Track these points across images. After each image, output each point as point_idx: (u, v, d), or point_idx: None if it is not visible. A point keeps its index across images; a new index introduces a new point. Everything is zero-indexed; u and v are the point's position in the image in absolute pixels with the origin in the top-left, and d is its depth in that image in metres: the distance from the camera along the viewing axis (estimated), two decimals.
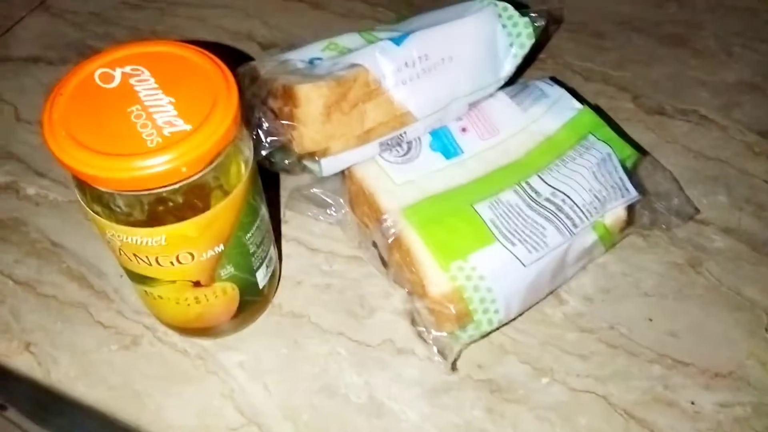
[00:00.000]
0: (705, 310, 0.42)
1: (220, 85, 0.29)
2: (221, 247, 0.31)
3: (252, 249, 0.34)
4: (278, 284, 0.41)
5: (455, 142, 0.42)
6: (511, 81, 0.43)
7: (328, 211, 0.43)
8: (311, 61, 0.43)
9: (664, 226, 0.42)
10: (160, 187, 0.27)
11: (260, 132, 0.37)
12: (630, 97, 0.53)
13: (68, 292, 0.41)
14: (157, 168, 0.26)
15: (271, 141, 0.38)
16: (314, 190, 0.43)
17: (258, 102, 0.40)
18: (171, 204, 0.28)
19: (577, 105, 0.43)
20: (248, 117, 0.39)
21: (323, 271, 0.42)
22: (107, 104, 0.28)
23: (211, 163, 0.28)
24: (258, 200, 0.33)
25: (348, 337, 0.40)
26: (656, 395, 0.38)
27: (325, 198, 0.43)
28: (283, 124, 0.38)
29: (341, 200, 0.42)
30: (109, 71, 0.29)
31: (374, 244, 0.40)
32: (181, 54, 0.30)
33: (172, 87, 0.29)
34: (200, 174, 0.28)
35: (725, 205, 0.47)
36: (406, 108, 0.40)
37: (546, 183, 0.40)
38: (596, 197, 0.39)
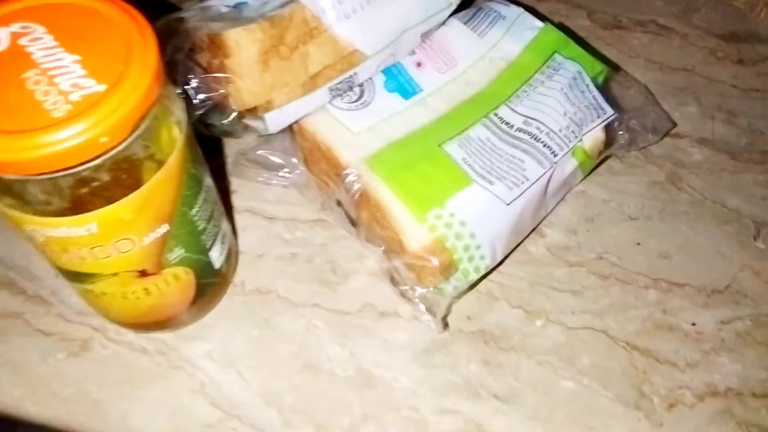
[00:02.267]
0: (692, 227, 0.40)
1: (133, 34, 0.24)
2: (165, 227, 0.27)
3: (201, 225, 0.30)
4: (237, 261, 0.37)
5: (412, 80, 0.38)
6: (462, 5, 0.39)
7: (280, 173, 0.39)
8: (237, 6, 0.38)
9: (642, 145, 0.40)
10: (79, 165, 0.22)
11: (189, 91, 0.32)
12: (585, 13, 0.50)
13: None
14: (70, 141, 0.21)
15: (203, 100, 0.33)
16: (261, 151, 0.38)
17: (182, 58, 0.35)
18: (96, 184, 0.24)
19: (538, 23, 0.39)
20: (174, 76, 0.34)
21: (285, 240, 0.38)
22: None
23: (136, 128, 0.23)
24: (200, 168, 0.29)
25: (323, 307, 0.36)
26: (656, 322, 0.36)
27: (275, 159, 0.38)
28: (214, 77, 0.33)
29: (294, 160, 0.38)
30: None
31: (339, 203, 0.36)
32: (79, 3, 0.25)
33: (74, 43, 0.23)
34: (125, 143, 0.23)
35: (697, 116, 0.45)
36: (353, 45, 0.35)
37: (516, 112, 0.36)
38: (572, 120, 0.36)
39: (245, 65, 0.33)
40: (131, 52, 0.23)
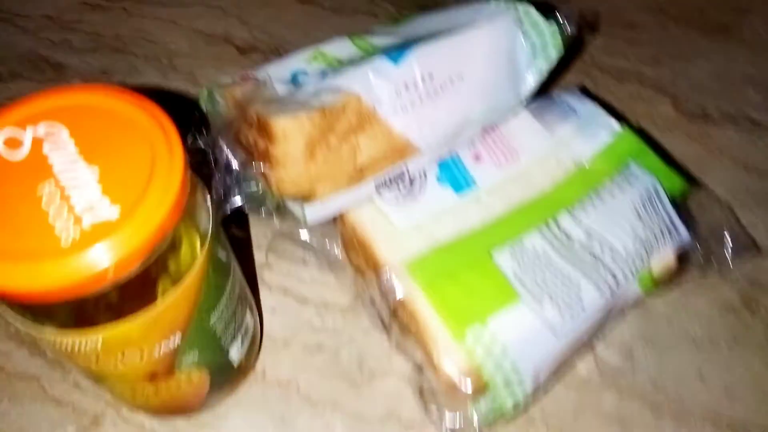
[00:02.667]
0: (765, 362, 0.35)
1: (159, 143, 0.22)
2: (178, 337, 0.25)
3: (220, 329, 0.28)
4: (260, 349, 0.35)
5: (467, 172, 0.35)
6: (534, 94, 0.36)
7: (318, 254, 0.37)
8: (294, 77, 0.36)
9: (718, 268, 0.35)
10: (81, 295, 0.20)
11: (228, 179, 0.31)
12: (669, 100, 0.46)
13: (17, 360, 0.35)
14: (73, 275, 0.19)
15: (243, 192, 0.31)
16: (301, 231, 0.36)
17: (227, 134, 0.33)
18: (104, 302, 0.22)
19: (615, 125, 0.36)
20: (215, 156, 0.32)
21: (314, 327, 0.36)
22: (11, 182, 0.21)
23: (148, 258, 0.21)
24: (224, 272, 0.27)
25: (344, 409, 0.34)
26: None
27: (314, 240, 0.36)
28: (257, 165, 0.31)
29: (332, 243, 0.36)
30: (16, 134, 0.22)
31: (372, 302, 0.34)
32: (108, 105, 0.23)
33: (96, 152, 0.22)
34: (134, 271, 0.21)
35: None
36: (407, 139, 0.33)
37: (579, 223, 0.33)
38: (642, 242, 0.32)
39: (290, 156, 0.31)
40: (155, 165, 0.22)
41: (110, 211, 0.20)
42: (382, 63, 0.32)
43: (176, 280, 0.23)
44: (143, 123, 0.22)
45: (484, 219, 0.34)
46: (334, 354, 0.35)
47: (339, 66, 0.36)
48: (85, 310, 0.22)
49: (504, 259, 0.32)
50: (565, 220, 0.33)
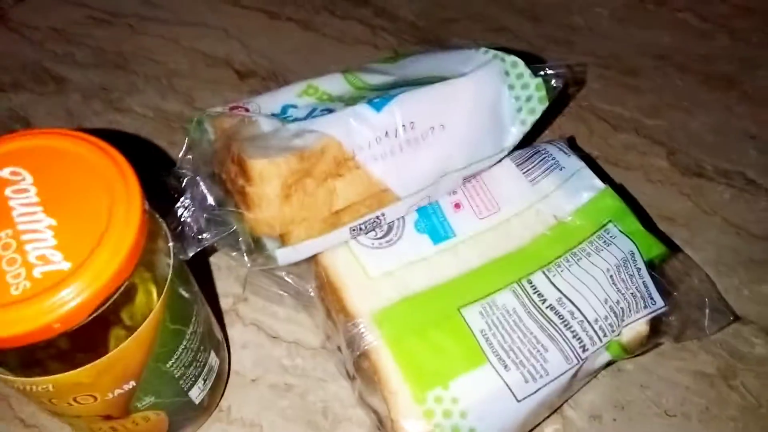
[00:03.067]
0: None
1: (119, 195, 0.22)
2: (132, 383, 0.25)
3: (179, 373, 0.28)
4: (226, 385, 0.35)
5: (446, 222, 0.35)
6: (518, 144, 0.36)
7: (292, 292, 0.37)
8: (284, 110, 0.36)
9: (691, 338, 0.35)
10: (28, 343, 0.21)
11: (201, 214, 0.31)
12: (665, 152, 0.45)
13: None
14: (19, 326, 0.20)
15: (217, 228, 0.31)
16: (277, 270, 0.36)
17: (210, 165, 0.33)
18: (54, 349, 0.22)
19: (599, 184, 0.35)
20: (191, 191, 0.32)
21: (284, 366, 0.36)
22: None
23: (96, 310, 0.21)
24: (184, 317, 0.27)
25: None
26: None
27: (289, 279, 0.36)
28: (233, 202, 0.32)
29: (308, 286, 0.36)
30: None
31: (339, 349, 0.34)
32: (74, 150, 0.23)
33: (56, 201, 0.22)
34: (84, 321, 0.21)
35: None
36: (386, 185, 0.32)
37: (552, 283, 0.32)
38: (613, 310, 0.31)
39: (265, 198, 0.31)
40: (112, 216, 0.22)
41: (63, 265, 0.21)
42: (364, 110, 0.32)
43: (131, 329, 0.24)
44: (105, 171, 0.23)
45: (458, 272, 0.33)
46: (300, 397, 0.35)
47: (329, 101, 0.36)
48: (34, 355, 0.22)
49: (473, 317, 0.31)
50: (539, 279, 0.33)
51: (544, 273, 0.33)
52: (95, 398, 0.25)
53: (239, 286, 0.38)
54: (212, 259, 0.39)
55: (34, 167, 0.23)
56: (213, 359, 0.31)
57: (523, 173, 0.36)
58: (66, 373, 0.23)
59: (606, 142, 0.46)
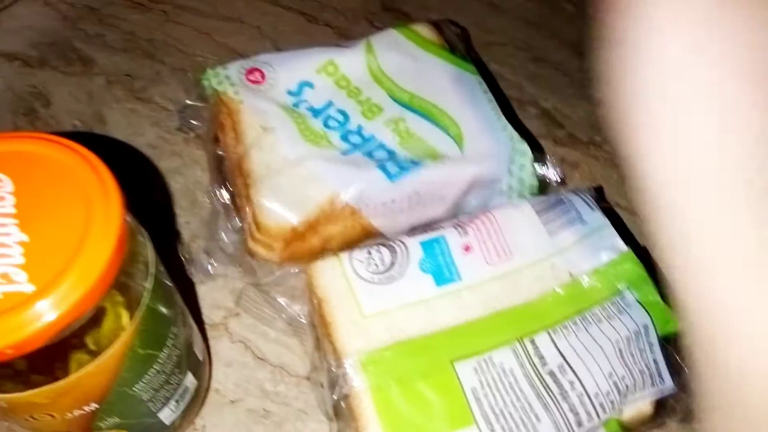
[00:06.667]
0: None
1: (97, 212, 0.21)
2: (93, 406, 0.24)
3: (147, 396, 0.26)
4: (203, 403, 0.34)
5: (453, 264, 0.33)
6: (541, 189, 0.35)
7: (284, 315, 0.35)
8: (300, 90, 0.37)
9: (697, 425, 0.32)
10: None
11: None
12: None
13: None
14: None
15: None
16: (270, 290, 0.35)
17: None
18: (8, 370, 0.21)
19: (621, 245, 0.33)
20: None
21: (265, 391, 0.35)
22: None
23: (56, 336, 0.20)
24: (157, 340, 0.26)
25: None
26: None
27: (282, 303, 0.35)
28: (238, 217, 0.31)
29: (300, 312, 0.34)
30: None
31: (322, 385, 0.32)
32: (61, 160, 0.22)
33: (33, 213, 0.21)
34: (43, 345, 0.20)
35: None
36: (380, 231, 0.32)
37: (556, 348, 0.30)
38: (616, 386, 0.29)
39: (268, 246, 0.32)
40: (87, 235, 0.21)
41: (25, 285, 0.19)
42: (378, 177, 0.33)
43: (95, 354, 0.22)
44: (88, 186, 0.22)
45: (458, 320, 0.32)
46: (277, 426, 0.34)
47: (346, 93, 0.37)
48: None
49: (466, 373, 0.30)
50: (542, 340, 0.31)
51: (549, 334, 0.31)
52: (53, 417, 0.24)
53: (233, 299, 0.37)
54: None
55: (16, 174, 0.22)
56: (189, 380, 0.30)
57: (543, 222, 0.34)
58: (20, 394, 0.22)
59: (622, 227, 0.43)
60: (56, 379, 0.22)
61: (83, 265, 0.20)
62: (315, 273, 0.32)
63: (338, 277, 0.32)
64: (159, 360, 0.26)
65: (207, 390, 0.34)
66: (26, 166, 0.22)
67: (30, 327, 0.19)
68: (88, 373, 0.22)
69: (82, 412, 0.24)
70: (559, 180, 0.36)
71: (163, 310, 0.26)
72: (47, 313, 0.19)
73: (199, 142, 0.42)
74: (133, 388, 0.25)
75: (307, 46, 0.40)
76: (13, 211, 0.21)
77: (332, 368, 0.30)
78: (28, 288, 0.19)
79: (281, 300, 0.34)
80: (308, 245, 0.33)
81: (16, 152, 0.22)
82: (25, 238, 0.20)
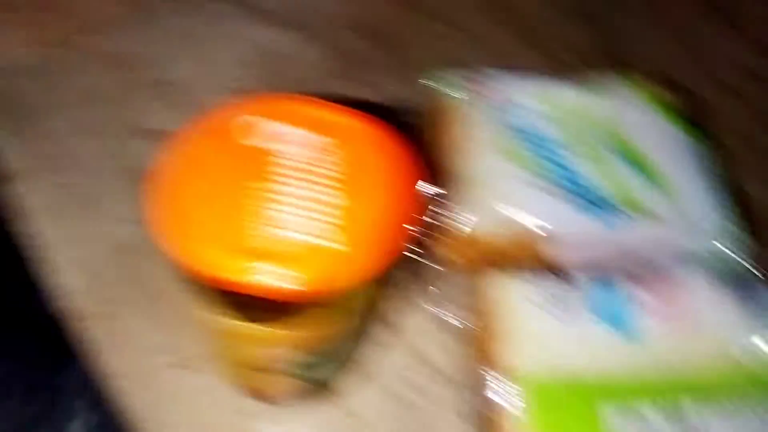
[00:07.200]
0: None
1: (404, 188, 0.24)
2: (299, 354, 0.26)
3: (332, 355, 0.29)
4: (352, 374, 0.35)
5: (628, 314, 0.33)
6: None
7: (452, 320, 0.36)
8: (518, 111, 0.37)
9: None
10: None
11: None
12: None
13: None
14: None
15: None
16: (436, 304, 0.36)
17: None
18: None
19: None
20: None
21: (404, 378, 0.36)
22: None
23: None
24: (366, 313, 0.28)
25: None
26: None
27: (453, 308, 0.36)
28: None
29: (466, 317, 0.35)
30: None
31: (471, 393, 0.33)
32: (377, 134, 0.25)
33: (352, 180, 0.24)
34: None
35: None
36: (560, 261, 0.35)
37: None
38: None
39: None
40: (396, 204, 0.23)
41: (339, 245, 0.22)
42: (587, 219, 0.34)
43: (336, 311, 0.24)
44: (398, 161, 0.24)
45: (622, 369, 0.32)
46: (419, 420, 0.35)
47: (565, 122, 0.37)
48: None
49: (613, 418, 0.30)
50: (690, 406, 0.31)
51: (698, 403, 0.31)
52: (258, 353, 0.26)
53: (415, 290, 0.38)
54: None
55: (341, 145, 0.24)
56: (354, 351, 0.32)
57: (733, 300, 0.34)
58: (265, 328, 0.24)
59: None
60: (292, 324, 0.24)
61: (388, 234, 0.23)
62: (491, 287, 0.34)
63: (511, 296, 0.33)
64: (358, 327, 0.28)
65: (359, 365, 0.35)
66: (350, 136, 0.25)
67: (335, 282, 0.22)
68: (319, 326, 0.24)
69: (284, 357, 0.26)
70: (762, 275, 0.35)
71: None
72: (350, 272, 0.22)
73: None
74: (331, 346, 0.27)
75: (530, 70, 0.41)
76: (336, 175, 0.24)
77: (489, 382, 0.31)
78: (341, 247, 0.22)
79: (452, 305, 0.36)
80: (491, 259, 0.34)
81: (342, 124, 0.25)
82: (345, 202, 0.23)
